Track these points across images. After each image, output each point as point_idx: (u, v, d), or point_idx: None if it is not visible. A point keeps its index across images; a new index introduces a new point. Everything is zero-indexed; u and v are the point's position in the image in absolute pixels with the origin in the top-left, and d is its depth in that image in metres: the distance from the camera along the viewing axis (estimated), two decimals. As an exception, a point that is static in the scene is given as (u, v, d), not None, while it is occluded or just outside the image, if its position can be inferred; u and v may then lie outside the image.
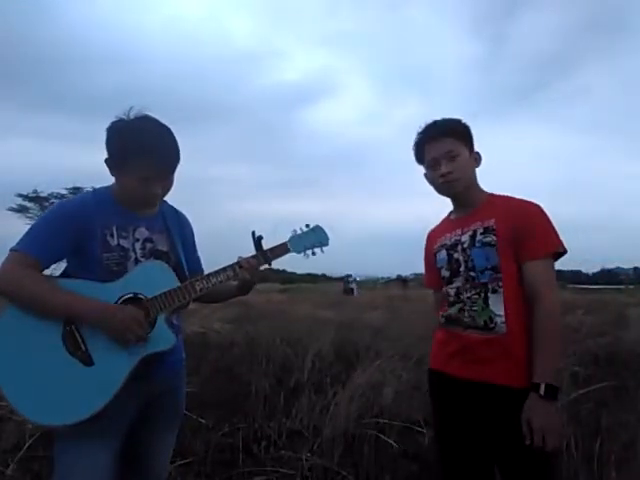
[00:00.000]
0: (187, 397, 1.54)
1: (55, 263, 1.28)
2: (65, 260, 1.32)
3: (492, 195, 1.46)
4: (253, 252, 1.42)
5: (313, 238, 1.48)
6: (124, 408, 1.27)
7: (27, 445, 2.42)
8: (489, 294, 1.34)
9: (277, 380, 4.01)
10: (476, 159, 1.46)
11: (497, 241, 1.34)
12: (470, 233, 1.40)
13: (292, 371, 4.22)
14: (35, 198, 25.61)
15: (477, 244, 1.37)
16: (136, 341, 1.21)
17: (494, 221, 1.36)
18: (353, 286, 24.53)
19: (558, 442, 1.22)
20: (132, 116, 1.26)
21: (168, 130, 1.30)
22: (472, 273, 1.38)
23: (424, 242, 1.64)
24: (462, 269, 1.41)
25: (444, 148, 1.40)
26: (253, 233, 1.41)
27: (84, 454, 1.22)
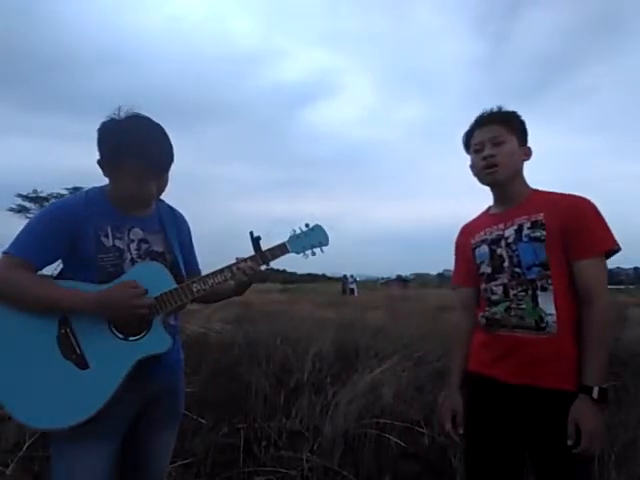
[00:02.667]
0: (187, 397, 1.54)
1: (49, 265, 1.27)
2: (61, 262, 1.31)
3: (537, 190, 1.40)
4: (252, 252, 1.40)
5: (313, 238, 1.46)
6: (122, 409, 1.27)
7: (27, 445, 2.42)
8: (538, 292, 1.29)
9: (277, 380, 4.00)
10: (526, 153, 1.40)
11: (546, 236, 1.28)
12: (515, 227, 1.34)
13: (292, 371, 4.22)
14: (35, 198, 25.63)
15: (524, 239, 1.31)
16: (149, 310, 1.21)
17: (543, 215, 1.30)
18: (353, 286, 24.51)
19: (603, 446, 1.20)
20: (122, 115, 1.25)
21: (160, 129, 1.28)
22: (517, 269, 1.33)
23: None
24: (506, 264, 1.35)
25: (491, 133, 1.38)
26: (251, 233, 1.40)
27: (81, 456, 1.22)
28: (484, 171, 1.39)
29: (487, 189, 1.48)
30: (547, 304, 1.27)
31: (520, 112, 1.42)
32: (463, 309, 1.54)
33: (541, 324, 1.27)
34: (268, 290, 20.55)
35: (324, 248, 1.48)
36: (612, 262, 1.35)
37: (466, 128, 1.48)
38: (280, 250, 1.43)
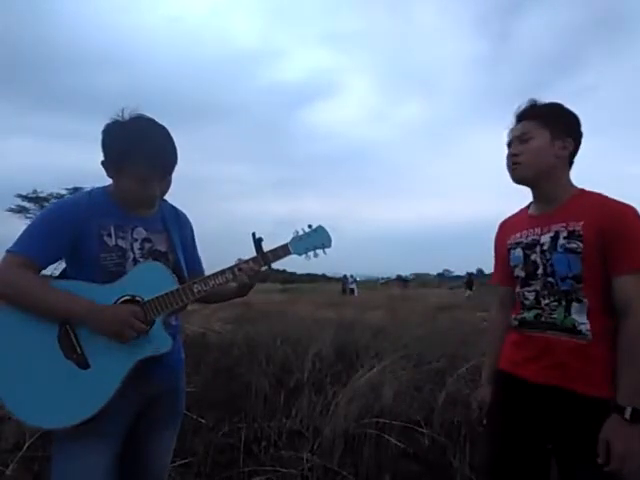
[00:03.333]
0: (187, 397, 1.54)
1: (52, 264, 1.27)
2: (64, 261, 1.31)
3: (582, 191, 1.33)
4: (253, 253, 1.39)
5: (315, 239, 1.44)
6: (123, 409, 1.27)
7: (27, 445, 2.42)
8: (572, 303, 1.25)
9: (277, 380, 4.00)
10: (564, 147, 1.32)
11: (583, 248, 1.22)
12: (551, 234, 1.29)
13: (292, 371, 4.22)
14: (35, 198, 25.60)
15: (559, 249, 1.26)
16: (137, 336, 1.20)
17: (582, 225, 1.23)
18: (353, 286, 24.53)
19: (635, 469, 1.14)
20: (127, 117, 1.24)
21: (164, 131, 1.28)
22: (551, 279, 1.29)
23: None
24: (540, 272, 1.31)
25: (519, 130, 1.35)
26: (253, 234, 1.39)
27: (81, 455, 1.22)
28: (509, 169, 1.37)
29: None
30: (580, 315, 1.24)
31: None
32: (500, 307, 1.52)
33: (574, 330, 1.25)
34: (268, 290, 20.56)
35: (326, 250, 1.47)
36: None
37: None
38: (282, 251, 1.42)
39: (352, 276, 26.07)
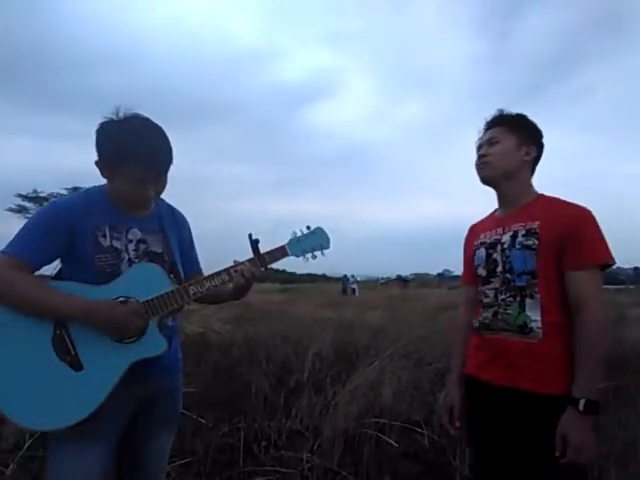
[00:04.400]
0: (187, 397, 1.54)
1: (47, 264, 1.26)
2: (60, 261, 1.30)
3: (541, 196, 1.41)
4: (250, 254, 1.38)
5: (313, 241, 1.43)
6: (119, 410, 1.27)
7: (27, 445, 2.42)
8: (526, 299, 1.30)
9: (277, 380, 4.00)
10: (527, 152, 1.40)
11: (538, 245, 1.29)
12: (511, 233, 1.36)
13: (292, 371, 4.22)
14: (35, 198, 25.61)
15: (517, 246, 1.33)
16: (138, 333, 1.20)
17: (538, 224, 1.31)
18: (354, 286, 24.47)
19: (592, 458, 1.19)
20: (121, 116, 1.23)
21: (159, 130, 1.27)
22: (509, 275, 1.35)
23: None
24: (499, 270, 1.37)
25: (489, 135, 1.43)
26: (250, 236, 1.38)
27: (76, 456, 1.21)
28: (477, 169, 1.45)
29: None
30: (533, 311, 1.29)
31: (522, 111, 1.44)
32: (467, 307, 1.55)
33: (525, 329, 1.29)
34: (268, 290, 20.55)
35: (325, 251, 1.45)
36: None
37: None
38: (279, 253, 1.41)
39: (353, 276, 26.02)
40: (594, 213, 1.29)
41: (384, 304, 12.27)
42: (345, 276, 26.35)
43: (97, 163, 1.27)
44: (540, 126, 1.44)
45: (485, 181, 1.46)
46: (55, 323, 1.19)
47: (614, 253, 1.27)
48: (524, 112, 1.44)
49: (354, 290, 23.68)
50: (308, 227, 1.44)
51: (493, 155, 1.40)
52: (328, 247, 1.46)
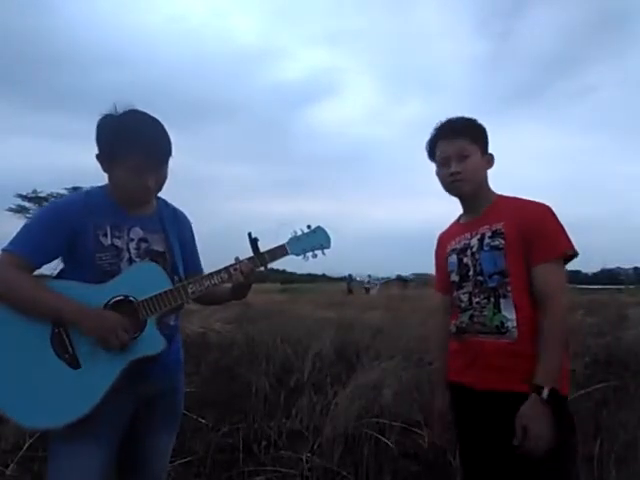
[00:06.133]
0: (187, 397, 1.54)
1: (48, 263, 1.26)
2: (61, 261, 1.30)
3: (501, 197, 1.44)
4: (250, 254, 1.37)
5: (314, 240, 1.42)
6: (119, 409, 1.27)
7: (27, 445, 2.42)
8: (500, 299, 1.32)
9: (277, 380, 4.00)
10: (489, 161, 1.44)
11: (505, 245, 1.31)
12: (478, 237, 1.38)
13: (292, 371, 4.22)
14: (34, 198, 25.58)
15: (485, 248, 1.35)
16: (120, 347, 1.18)
17: (502, 224, 1.34)
18: (370, 286, 23.92)
19: (549, 447, 1.17)
20: (120, 111, 1.25)
21: (157, 122, 1.28)
22: (480, 277, 1.36)
23: (434, 245, 1.63)
24: (471, 273, 1.39)
25: (456, 147, 1.39)
26: (249, 234, 1.37)
27: (76, 455, 1.21)
28: (451, 185, 1.43)
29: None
30: (508, 310, 1.30)
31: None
32: (443, 314, 1.56)
33: (502, 329, 1.30)
34: (268, 290, 20.54)
35: (326, 251, 1.45)
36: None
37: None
38: (279, 252, 1.40)
39: (369, 276, 25.29)
40: (553, 208, 1.33)
41: (384, 304, 12.27)
42: (350, 276, 26.10)
43: (97, 157, 1.28)
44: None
45: (459, 196, 1.46)
46: (54, 321, 1.19)
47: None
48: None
49: (368, 290, 23.04)
50: (308, 226, 1.43)
51: (467, 172, 1.38)
52: (329, 246, 1.45)
